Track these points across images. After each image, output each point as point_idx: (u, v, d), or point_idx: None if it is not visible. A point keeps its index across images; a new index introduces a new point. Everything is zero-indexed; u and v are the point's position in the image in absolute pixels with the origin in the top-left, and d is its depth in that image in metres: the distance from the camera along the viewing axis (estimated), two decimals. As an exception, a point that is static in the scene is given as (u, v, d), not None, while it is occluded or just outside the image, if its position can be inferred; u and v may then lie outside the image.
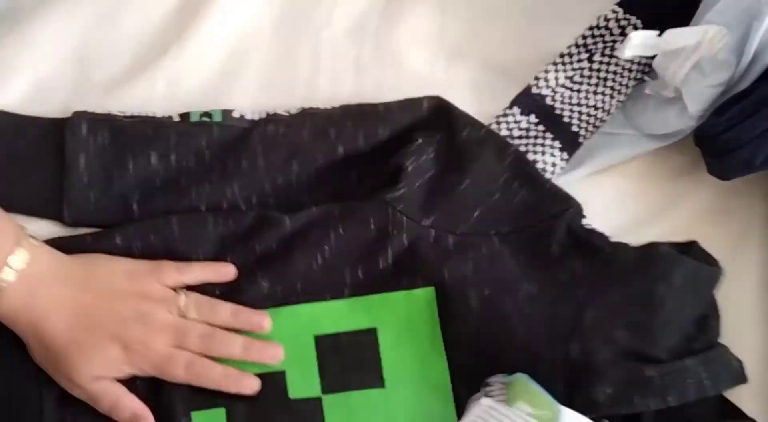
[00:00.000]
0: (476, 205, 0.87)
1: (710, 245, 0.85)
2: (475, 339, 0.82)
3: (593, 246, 0.84)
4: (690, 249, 0.85)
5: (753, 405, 0.85)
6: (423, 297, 0.84)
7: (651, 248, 0.83)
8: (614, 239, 0.85)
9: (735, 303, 0.90)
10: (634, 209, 0.94)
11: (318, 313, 0.83)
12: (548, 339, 0.81)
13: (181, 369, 0.79)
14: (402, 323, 0.83)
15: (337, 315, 0.83)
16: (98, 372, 0.78)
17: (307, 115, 0.90)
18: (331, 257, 0.84)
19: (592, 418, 0.77)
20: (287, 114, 0.90)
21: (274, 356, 0.81)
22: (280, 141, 0.89)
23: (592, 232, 0.86)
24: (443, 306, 0.84)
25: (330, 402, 0.81)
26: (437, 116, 0.90)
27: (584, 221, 0.87)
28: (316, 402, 0.81)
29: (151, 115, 0.90)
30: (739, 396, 0.83)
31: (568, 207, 0.86)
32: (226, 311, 0.82)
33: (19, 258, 0.75)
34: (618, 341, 0.80)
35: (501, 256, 0.85)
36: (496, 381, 0.79)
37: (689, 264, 0.81)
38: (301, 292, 0.84)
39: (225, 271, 0.84)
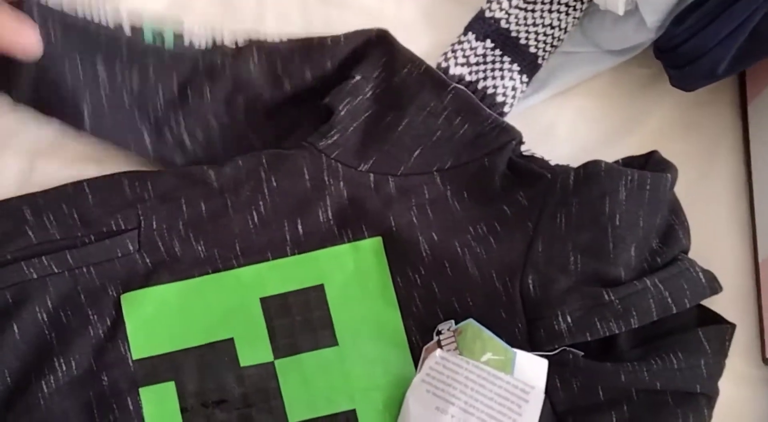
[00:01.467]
0: (417, 144, 0.84)
1: (679, 159, 0.83)
2: (428, 286, 0.80)
3: (534, 173, 0.82)
4: (649, 159, 0.83)
5: (730, 312, 0.83)
6: (370, 247, 0.82)
7: (590, 166, 0.80)
8: (582, 160, 0.82)
9: (708, 214, 0.89)
10: (600, 128, 0.92)
11: (262, 275, 0.81)
12: (503, 277, 0.79)
13: None
14: (350, 277, 0.81)
15: (282, 274, 0.81)
16: None
17: (254, 46, 0.87)
18: (266, 213, 0.82)
19: (555, 348, 0.77)
20: (234, 45, 0.87)
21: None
22: (226, 74, 0.86)
23: (532, 158, 0.84)
24: (392, 255, 0.81)
25: (283, 366, 0.80)
26: (379, 50, 0.87)
27: (524, 147, 0.85)
28: (269, 367, 0.80)
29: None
30: (716, 304, 0.81)
31: (511, 139, 0.83)
32: None
33: None
34: (574, 267, 0.78)
35: (444, 197, 0.83)
36: (446, 328, 0.78)
37: (632, 174, 0.79)
38: (240, 254, 0.81)
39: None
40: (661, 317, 0.76)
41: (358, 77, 0.85)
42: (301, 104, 0.87)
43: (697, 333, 0.78)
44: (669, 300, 0.76)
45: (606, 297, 0.76)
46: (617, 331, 0.75)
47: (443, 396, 0.75)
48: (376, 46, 0.87)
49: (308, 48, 0.87)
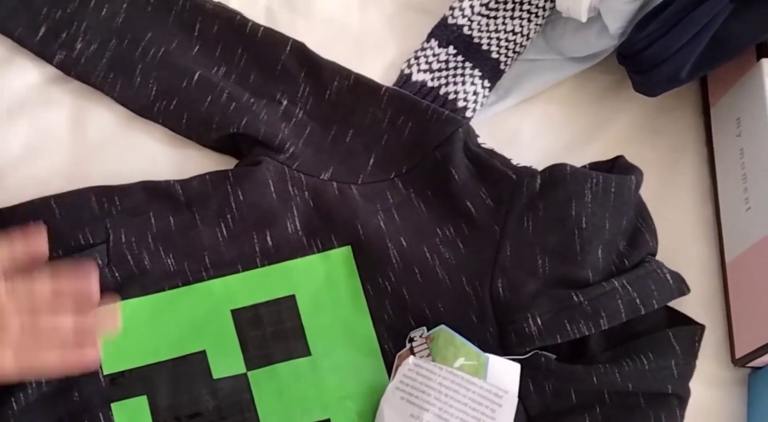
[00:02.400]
0: (369, 152, 0.85)
1: (644, 164, 0.83)
2: (398, 292, 0.80)
3: (498, 172, 0.82)
4: (615, 164, 0.84)
5: (698, 314, 0.84)
6: (340, 256, 0.81)
7: (556, 169, 0.81)
8: (546, 165, 0.83)
9: (674, 217, 0.90)
10: (564, 134, 0.93)
11: (232, 287, 0.80)
12: (472, 281, 0.80)
13: (9, 354, 0.66)
14: (321, 286, 0.81)
15: (253, 286, 0.81)
16: None
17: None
18: (235, 226, 0.82)
19: (526, 352, 0.77)
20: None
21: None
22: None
23: (493, 154, 0.84)
24: (362, 263, 0.81)
25: (257, 377, 0.79)
26: (296, 66, 0.87)
27: (480, 141, 0.85)
28: (242, 379, 0.79)
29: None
30: (685, 307, 0.82)
31: (457, 127, 0.83)
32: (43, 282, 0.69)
33: None
34: (542, 270, 0.78)
35: (409, 200, 0.83)
36: (418, 335, 0.78)
37: (597, 177, 0.79)
38: (210, 267, 0.81)
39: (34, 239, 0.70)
40: (630, 318, 0.76)
41: (285, 102, 0.86)
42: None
43: (667, 334, 0.79)
44: (637, 301, 0.76)
45: (575, 298, 0.76)
46: (587, 333, 0.76)
47: (417, 403, 0.75)
48: (292, 60, 0.87)
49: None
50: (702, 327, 0.81)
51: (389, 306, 0.80)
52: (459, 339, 0.76)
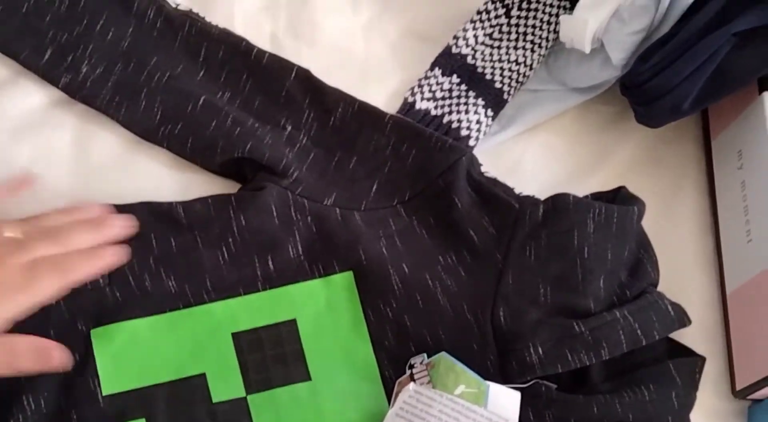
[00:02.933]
0: (372, 179, 0.85)
1: (645, 194, 0.83)
2: (400, 319, 0.80)
3: (501, 201, 0.82)
4: (617, 195, 0.84)
5: (699, 345, 0.84)
6: (342, 282, 0.81)
7: (558, 199, 0.81)
8: (549, 194, 0.83)
9: (675, 248, 0.90)
10: (566, 165, 0.93)
11: (233, 310, 0.80)
12: (473, 308, 0.79)
13: (52, 275, 0.68)
14: (322, 311, 0.81)
15: (254, 309, 0.80)
16: None
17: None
18: (236, 250, 0.82)
19: (527, 381, 0.77)
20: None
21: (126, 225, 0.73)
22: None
23: (496, 183, 0.84)
24: (364, 288, 0.81)
25: (256, 401, 0.79)
26: (301, 92, 0.88)
27: (483, 169, 0.85)
28: (242, 403, 0.79)
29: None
30: (685, 338, 0.82)
31: (460, 155, 0.83)
32: (56, 215, 0.74)
33: None
34: (544, 299, 0.78)
35: (411, 227, 0.83)
36: (418, 362, 0.78)
37: (600, 207, 0.79)
38: (212, 290, 0.81)
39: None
40: (630, 349, 0.76)
41: (289, 128, 0.86)
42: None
43: (668, 365, 0.78)
44: (638, 332, 0.76)
45: (576, 328, 0.76)
46: (588, 363, 0.76)
47: None
48: (297, 86, 0.88)
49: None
50: (702, 359, 0.80)
51: (390, 333, 0.80)
52: (459, 366, 0.76)
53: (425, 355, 0.78)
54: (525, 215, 0.81)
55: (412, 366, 0.78)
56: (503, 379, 0.77)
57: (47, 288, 0.68)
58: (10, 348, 0.68)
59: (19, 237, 0.70)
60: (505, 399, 0.75)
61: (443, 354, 0.77)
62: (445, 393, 0.75)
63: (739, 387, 0.83)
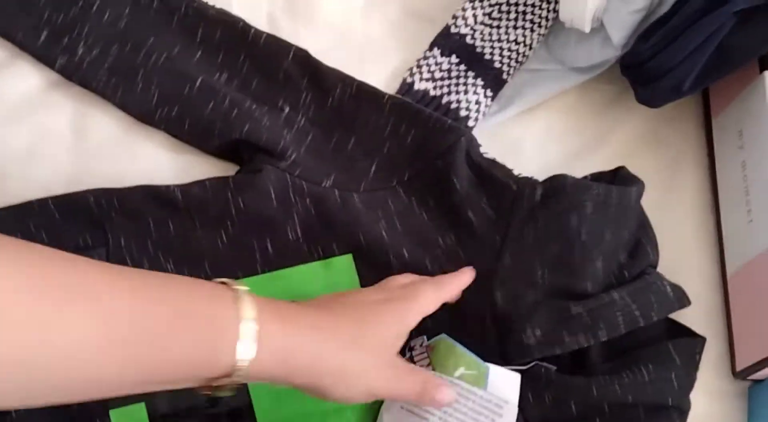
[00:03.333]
0: (371, 160, 0.85)
1: (645, 174, 0.83)
2: None
3: (500, 183, 0.82)
4: (617, 175, 0.84)
5: (699, 326, 0.84)
6: (341, 264, 0.81)
7: (556, 180, 0.80)
8: (549, 174, 0.83)
9: (675, 228, 0.89)
10: (566, 145, 0.92)
11: (232, 293, 0.80)
12: (472, 290, 0.79)
13: (429, 288, 0.75)
14: (322, 294, 0.79)
15: (253, 292, 0.80)
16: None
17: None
18: (235, 233, 0.81)
19: (527, 362, 0.77)
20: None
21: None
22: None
23: (495, 165, 0.84)
24: (363, 271, 0.81)
25: (257, 385, 0.78)
26: (299, 73, 0.87)
27: (482, 150, 0.85)
28: (242, 386, 0.78)
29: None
30: (685, 319, 0.82)
31: (459, 136, 0.83)
32: None
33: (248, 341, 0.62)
34: (542, 281, 0.78)
35: (411, 208, 0.83)
36: (418, 344, 0.78)
37: (598, 188, 0.79)
38: (210, 273, 0.80)
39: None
40: (629, 330, 0.76)
41: (287, 109, 0.86)
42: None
43: (667, 345, 0.78)
44: (637, 313, 0.76)
45: (574, 309, 0.76)
46: (586, 344, 0.75)
47: (418, 412, 0.74)
48: (295, 67, 0.87)
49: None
50: (702, 339, 0.80)
51: None
52: (459, 348, 0.76)
53: (425, 337, 0.78)
54: (523, 197, 0.80)
55: (411, 349, 0.78)
56: (502, 361, 0.77)
57: (428, 299, 0.73)
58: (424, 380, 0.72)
59: None
60: (505, 381, 0.75)
61: (443, 336, 0.77)
62: (444, 376, 0.75)
63: (739, 367, 0.83)
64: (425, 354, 0.77)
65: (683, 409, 0.78)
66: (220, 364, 0.61)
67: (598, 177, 0.84)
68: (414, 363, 0.77)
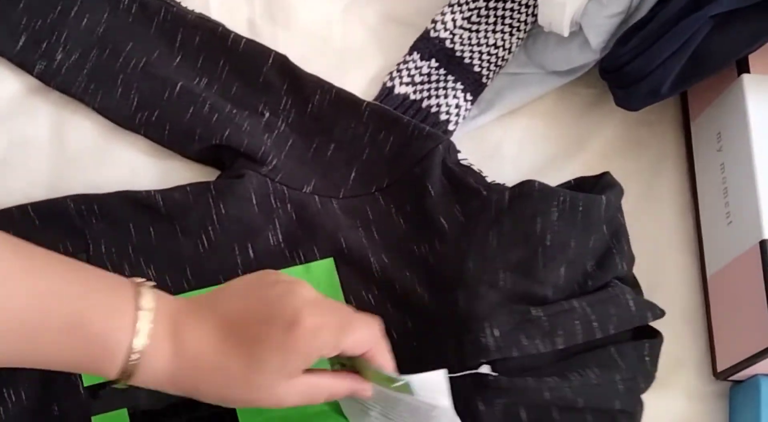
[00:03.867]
0: (350, 167, 0.85)
1: (625, 177, 0.83)
2: (381, 305, 0.80)
3: (470, 188, 0.82)
4: (600, 180, 0.83)
5: (679, 327, 0.85)
6: (322, 268, 0.81)
7: (525, 186, 0.80)
8: (529, 178, 0.82)
9: (655, 230, 0.90)
10: (546, 148, 0.93)
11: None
12: (438, 293, 0.79)
13: (367, 332, 0.68)
14: None
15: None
16: (297, 367, 0.65)
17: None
18: (216, 238, 0.81)
19: (482, 363, 0.75)
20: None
21: None
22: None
23: (468, 171, 0.84)
24: (344, 275, 0.81)
25: None
26: (279, 78, 0.87)
27: (461, 156, 0.85)
28: None
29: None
30: (666, 320, 0.80)
31: (437, 143, 0.83)
32: None
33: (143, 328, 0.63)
34: (503, 283, 0.77)
35: (389, 215, 0.83)
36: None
37: (565, 195, 0.78)
38: (192, 278, 0.80)
39: None
40: (585, 340, 0.75)
41: (267, 114, 0.86)
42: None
43: (609, 350, 0.77)
44: (595, 324, 0.75)
45: (533, 313, 0.75)
46: (543, 350, 0.75)
47: (364, 403, 0.74)
48: (274, 72, 0.87)
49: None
50: (657, 341, 0.80)
51: None
52: (374, 367, 0.71)
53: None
54: (491, 202, 0.80)
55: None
56: (459, 363, 0.76)
57: (360, 340, 0.68)
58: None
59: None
60: (431, 386, 0.71)
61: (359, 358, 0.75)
62: (376, 385, 0.72)
63: (720, 368, 0.84)
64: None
65: (632, 412, 0.78)
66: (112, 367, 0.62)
67: (581, 181, 0.84)
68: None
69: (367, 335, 0.68)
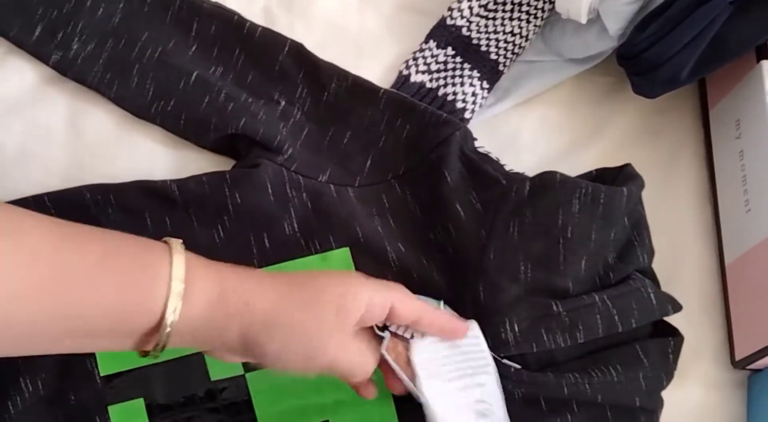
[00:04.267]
0: (366, 154, 0.84)
1: (643, 165, 0.83)
2: None
3: (489, 177, 0.81)
4: (621, 172, 0.83)
5: (697, 316, 0.85)
6: (339, 258, 0.81)
7: (545, 176, 0.79)
8: (546, 168, 0.82)
9: (673, 219, 0.89)
10: (563, 137, 0.92)
11: (229, 287, 0.80)
12: (459, 283, 0.79)
13: (413, 304, 0.72)
14: None
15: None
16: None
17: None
18: (232, 228, 0.81)
19: (501, 356, 0.76)
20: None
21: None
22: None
23: (487, 159, 0.84)
24: (361, 265, 0.81)
25: (254, 378, 0.78)
26: (295, 66, 0.87)
27: (478, 144, 0.85)
28: (240, 381, 0.79)
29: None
30: (685, 310, 0.80)
31: (454, 130, 0.83)
32: None
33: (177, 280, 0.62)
34: (524, 276, 0.77)
35: (405, 203, 0.83)
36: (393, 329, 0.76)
37: (586, 187, 0.78)
38: None
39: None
40: (606, 334, 0.76)
41: (282, 103, 0.86)
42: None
43: (635, 347, 0.78)
44: (616, 318, 0.75)
45: (554, 308, 0.76)
46: (563, 344, 0.75)
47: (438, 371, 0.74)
48: (290, 60, 0.87)
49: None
50: (679, 339, 0.80)
51: None
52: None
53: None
54: (511, 192, 0.80)
55: (387, 330, 0.77)
56: None
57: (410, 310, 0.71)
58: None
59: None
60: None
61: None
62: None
63: (738, 357, 0.83)
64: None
65: (652, 410, 0.78)
66: (150, 311, 0.60)
67: (602, 172, 0.83)
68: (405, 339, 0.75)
69: (414, 302, 0.72)
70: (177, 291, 0.61)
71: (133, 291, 0.60)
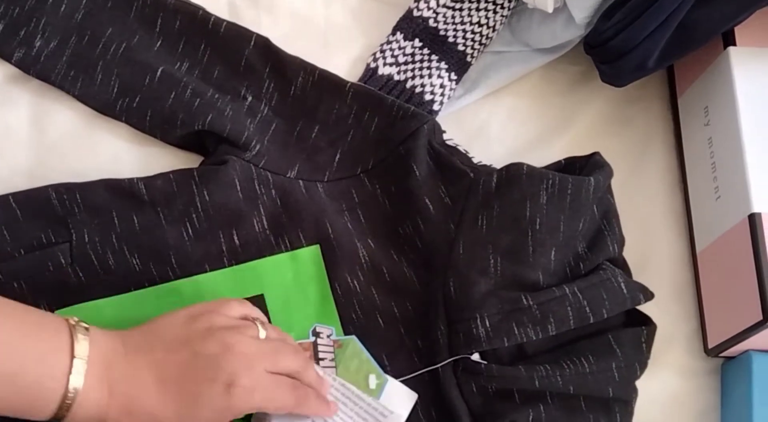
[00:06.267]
0: (335, 148, 0.84)
1: (613, 155, 0.83)
2: (367, 292, 0.80)
3: (458, 170, 0.81)
4: (589, 160, 0.82)
5: (670, 305, 0.85)
6: (308, 255, 0.80)
7: (512, 168, 0.79)
8: (516, 159, 0.82)
9: (644, 208, 0.90)
10: (532, 127, 0.92)
11: (199, 286, 0.79)
12: (428, 279, 0.79)
13: (289, 394, 0.71)
14: (289, 285, 0.80)
15: (220, 285, 0.79)
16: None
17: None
18: (201, 226, 0.80)
19: (472, 352, 0.76)
20: None
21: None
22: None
23: (455, 151, 0.83)
24: (330, 262, 0.80)
25: None
26: (261, 61, 0.86)
27: (447, 136, 0.85)
28: None
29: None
30: (657, 298, 0.80)
31: (422, 123, 0.82)
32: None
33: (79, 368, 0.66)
34: (494, 270, 0.77)
35: (374, 197, 0.82)
36: (326, 334, 0.78)
37: (553, 178, 0.78)
38: (177, 266, 0.79)
39: None
40: (578, 325, 0.75)
41: (249, 98, 0.85)
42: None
43: (606, 337, 0.78)
44: (587, 309, 0.75)
45: (524, 301, 0.75)
46: (534, 338, 0.75)
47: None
48: (256, 55, 0.86)
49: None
50: (652, 328, 0.80)
51: (357, 306, 0.79)
52: (366, 355, 0.77)
53: (333, 329, 0.78)
54: (478, 184, 0.80)
55: (317, 334, 0.78)
56: (450, 351, 0.77)
57: (279, 404, 0.71)
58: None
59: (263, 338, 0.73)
60: (401, 397, 0.76)
61: (353, 338, 0.78)
62: (338, 378, 0.76)
63: (711, 345, 0.83)
64: (331, 348, 0.77)
65: (627, 400, 0.78)
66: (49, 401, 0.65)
67: (571, 162, 0.83)
68: (317, 349, 0.77)
69: (301, 395, 0.73)
70: (69, 402, 0.66)
71: (30, 403, 0.65)
